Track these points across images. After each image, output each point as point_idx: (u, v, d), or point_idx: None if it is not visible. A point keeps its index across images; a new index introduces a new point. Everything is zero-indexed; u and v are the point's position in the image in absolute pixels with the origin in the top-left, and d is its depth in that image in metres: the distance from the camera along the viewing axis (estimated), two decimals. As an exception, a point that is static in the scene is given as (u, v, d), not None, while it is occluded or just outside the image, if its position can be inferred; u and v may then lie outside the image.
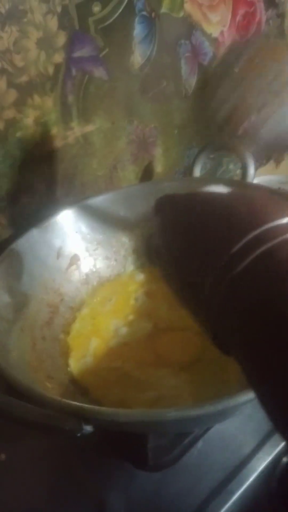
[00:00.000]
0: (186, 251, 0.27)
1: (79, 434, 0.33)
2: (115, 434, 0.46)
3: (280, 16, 0.73)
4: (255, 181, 0.74)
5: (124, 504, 0.43)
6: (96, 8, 0.51)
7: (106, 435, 0.47)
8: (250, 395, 0.32)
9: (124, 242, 0.60)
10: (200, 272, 0.25)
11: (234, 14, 0.66)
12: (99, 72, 0.55)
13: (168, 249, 0.30)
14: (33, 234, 0.52)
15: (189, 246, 0.27)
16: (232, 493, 0.43)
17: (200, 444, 0.47)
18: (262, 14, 0.70)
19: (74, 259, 0.57)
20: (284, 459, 0.46)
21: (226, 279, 0.23)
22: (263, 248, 0.22)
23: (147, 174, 0.67)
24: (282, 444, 0.46)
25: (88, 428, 0.33)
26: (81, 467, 0.46)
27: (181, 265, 0.28)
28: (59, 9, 0.48)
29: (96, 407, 0.33)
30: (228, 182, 0.57)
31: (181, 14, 0.60)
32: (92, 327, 0.52)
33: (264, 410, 0.21)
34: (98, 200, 0.57)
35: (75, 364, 0.48)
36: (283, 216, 0.23)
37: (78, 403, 0.33)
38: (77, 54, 0.52)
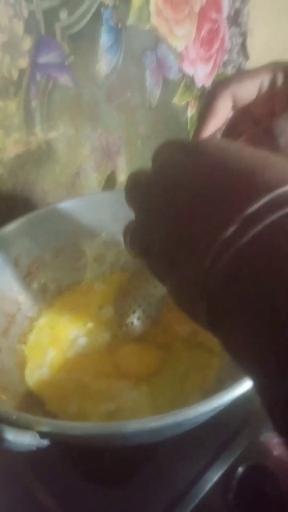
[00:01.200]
0: (186, 208, 0.22)
1: (35, 449, 0.32)
2: (74, 451, 0.46)
3: (243, 34, 0.76)
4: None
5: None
6: (63, 15, 0.50)
7: (64, 451, 0.46)
8: (209, 406, 0.32)
9: (85, 250, 0.59)
10: (201, 239, 0.21)
11: (198, 30, 0.67)
12: (64, 79, 0.55)
13: (163, 207, 0.24)
14: (-10, 242, 0.51)
15: (190, 204, 0.22)
16: (189, 504, 0.43)
17: (157, 457, 0.47)
18: (225, 31, 0.72)
19: (32, 267, 0.56)
20: (239, 469, 0.46)
21: (232, 247, 0.19)
22: (281, 212, 0.18)
23: (110, 183, 0.67)
24: (237, 453, 0.46)
25: (44, 442, 0.33)
26: (37, 482, 0.45)
27: (177, 231, 0.23)
28: (25, 13, 0.47)
29: (54, 421, 0.32)
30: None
31: (148, 26, 0.60)
32: (50, 337, 0.51)
33: (260, 400, 0.19)
34: (59, 208, 0.56)
35: (31, 376, 0.47)
36: None
37: (34, 417, 0.32)
38: (42, 59, 0.51)
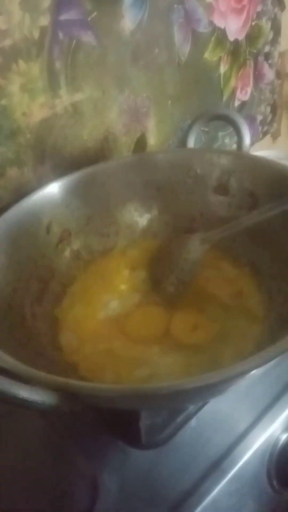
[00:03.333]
0: None
1: (66, 410, 0.32)
2: (108, 412, 0.45)
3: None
4: (252, 155, 0.72)
5: (117, 483, 0.42)
6: None
7: (98, 412, 0.46)
8: (242, 368, 0.30)
9: (117, 216, 0.58)
10: None
11: (229, -23, 0.63)
12: (87, 37, 0.52)
13: None
14: (21, 208, 0.50)
15: None
16: (226, 471, 0.42)
17: (193, 422, 0.46)
18: (259, -22, 0.67)
19: (65, 234, 0.55)
20: (281, 437, 0.45)
21: None
22: None
23: (139, 146, 0.64)
24: (278, 420, 0.45)
25: (77, 404, 0.32)
26: (74, 446, 0.45)
27: None
28: None
29: (83, 383, 0.32)
30: (224, 152, 0.54)
31: (174, -24, 0.57)
32: (83, 301, 0.50)
33: None
34: (89, 173, 0.55)
35: (65, 343, 0.47)
36: None
37: (64, 379, 0.31)
38: (63, 17, 0.49)
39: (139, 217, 0.58)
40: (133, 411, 0.43)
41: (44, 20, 0.48)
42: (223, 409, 0.46)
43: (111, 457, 0.44)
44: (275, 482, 0.44)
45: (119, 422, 0.45)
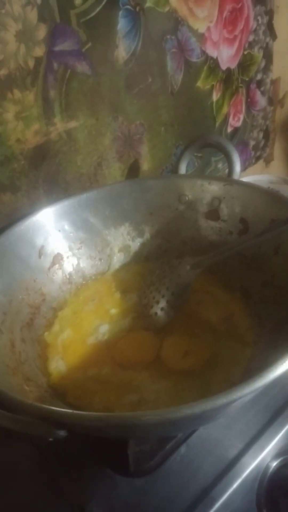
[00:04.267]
0: None
1: (51, 439, 0.32)
2: (96, 439, 0.45)
3: (268, 12, 0.72)
4: (245, 180, 0.73)
5: (105, 511, 0.42)
6: (77, 1, 0.50)
7: (86, 440, 0.45)
8: (229, 398, 0.30)
9: (109, 241, 0.58)
10: None
11: (221, 10, 0.65)
12: (82, 67, 0.54)
13: None
14: (14, 232, 0.51)
15: None
16: (215, 499, 0.41)
17: (183, 449, 0.45)
18: (250, 10, 0.69)
19: (57, 258, 0.55)
20: (271, 464, 0.45)
21: None
22: None
23: (133, 172, 0.65)
24: (269, 447, 0.44)
25: (61, 433, 0.32)
26: (62, 473, 0.45)
27: None
28: (39, 0, 0.47)
29: (69, 411, 0.31)
30: (214, 179, 0.55)
31: (167, 8, 0.58)
32: (73, 327, 0.50)
33: None
34: (82, 198, 0.56)
35: (54, 368, 0.47)
36: None
37: (48, 407, 0.31)
38: (58, 47, 0.51)
39: (131, 241, 0.59)
40: (121, 439, 0.43)
41: (39, 51, 0.49)
42: (213, 436, 0.46)
43: (99, 485, 0.43)
44: (264, 510, 0.43)
45: (107, 450, 0.45)
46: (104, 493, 0.43)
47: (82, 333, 0.50)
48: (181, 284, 0.50)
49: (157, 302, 0.49)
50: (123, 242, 0.59)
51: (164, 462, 0.44)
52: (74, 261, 0.57)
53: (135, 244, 0.59)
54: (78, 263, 0.57)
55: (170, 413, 0.30)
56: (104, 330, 0.50)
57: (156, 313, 0.49)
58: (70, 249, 0.57)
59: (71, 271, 0.57)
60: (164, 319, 0.49)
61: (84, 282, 0.57)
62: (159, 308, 0.49)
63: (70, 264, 0.56)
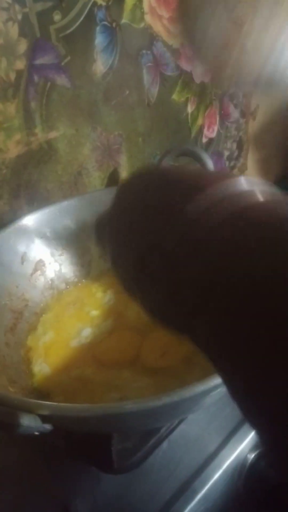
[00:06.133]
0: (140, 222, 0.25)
1: (37, 433, 0.33)
2: (80, 437, 0.46)
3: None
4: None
5: (89, 508, 0.43)
6: (57, 17, 0.52)
7: (70, 438, 0.46)
8: (207, 385, 0.32)
9: (89, 247, 0.60)
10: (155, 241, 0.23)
11: (194, 26, 0.68)
12: (61, 80, 0.56)
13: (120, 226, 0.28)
14: (-3, 239, 0.52)
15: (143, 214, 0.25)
16: (196, 491, 0.43)
17: (165, 445, 0.47)
18: (221, 27, 0.73)
19: (39, 265, 0.57)
20: (249, 456, 0.46)
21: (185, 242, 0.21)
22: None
23: (112, 180, 0.68)
24: (246, 440, 0.46)
25: (47, 427, 0.33)
26: (46, 471, 0.46)
27: (134, 240, 0.25)
28: (19, 16, 0.49)
29: (54, 403, 0.33)
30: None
31: (142, 25, 0.61)
32: (56, 331, 0.52)
33: (233, 399, 0.20)
34: (63, 206, 0.58)
35: (38, 371, 0.48)
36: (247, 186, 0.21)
37: (34, 400, 0.33)
38: (39, 61, 0.53)
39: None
40: (104, 435, 0.44)
41: (20, 64, 0.51)
42: (194, 432, 0.48)
43: (83, 482, 0.44)
44: (244, 500, 0.45)
45: (91, 448, 0.46)
46: (89, 490, 0.44)
47: (64, 336, 0.51)
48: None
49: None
50: (103, 248, 0.60)
51: (147, 458, 0.46)
52: (56, 267, 0.58)
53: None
54: (60, 269, 0.59)
55: (151, 401, 0.32)
56: (86, 332, 0.51)
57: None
58: (52, 255, 0.58)
59: (53, 277, 0.58)
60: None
61: (66, 287, 0.58)
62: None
63: (52, 270, 0.58)
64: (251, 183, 0.22)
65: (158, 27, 0.64)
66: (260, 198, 0.21)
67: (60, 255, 0.59)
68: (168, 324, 0.25)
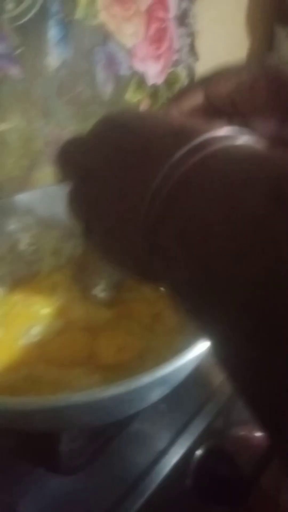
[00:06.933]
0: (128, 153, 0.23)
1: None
2: (28, 436, 0.45)
3: (191, 35, 0.78)
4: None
5: (37, 509, 0.42)
6: (9, 5, 0.51)
7: (19, 437, 0.45)
8: (154, 376, 0.32)
9: (41, 243, 0.59)
10: (140, 176, 0.22)
11: (147, 28, 0.69)
12: (14, 70, 0.55)
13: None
14: None
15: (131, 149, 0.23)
16: (145, 490, 0.43)
17: (114, 444, 0.46)
18: (173, 31, 0.74)
19: (-14, 261, 0.55)
20: (197, 453, 0.47)
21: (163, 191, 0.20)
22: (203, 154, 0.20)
23: (64, 177, 0.66)
24: (195, 436, 0.47)
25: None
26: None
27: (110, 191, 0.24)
28: None
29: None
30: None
31: (96, 22, 0.61)
32: (4, 328, 0.50)
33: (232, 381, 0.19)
34: (13, 201, 0.56)
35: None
36: (218, 129, 0.21)
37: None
38: (-10, 50, 0.51)
39: (64, 244, 0.59)
40: (52, 434, 0.43)
41: None
42: (143, 430, 0.47)
43: (30, 484, 0.43)
44: (193, 497, 0.45)
45: (37, 448, 0.44)
46: (36, 491, 0.42)
47: (13, 334, 0.49)
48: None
49: (97, 284, 0.51)
50: (55, 245, 0.59)
51: (96, 459, 0.45)
52: (5, 263, 0.56)
53: (68, 247, 0.59)
54: (10, 266, 0.57)
55: (98, 393, 0.31)
56: (36, 331, 0.50)
57: (96, 296, 0.50)
58: (1, 252, 0.56)
59: (2, 274, 0.56)
60: (107, 299, 0.50)
61: (15, 285, 0.56)
62: (99, 290, 0.50)
63: (1, 267, 0.56)
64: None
65: (112, 26, 0.64)
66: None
67: (9, 251, 0.57)
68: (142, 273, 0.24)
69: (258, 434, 0.47)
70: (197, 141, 0.20)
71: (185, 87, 0.33)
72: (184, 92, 0.32)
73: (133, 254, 0.24)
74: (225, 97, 0.32)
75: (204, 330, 0.20)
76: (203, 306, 0.19)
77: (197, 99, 0.31)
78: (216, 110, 0.33)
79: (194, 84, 0.32)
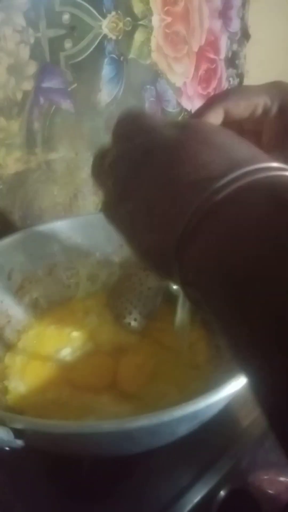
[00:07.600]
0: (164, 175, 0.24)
1: (7, 448, 0.32)
2: (50, 463, 0.45)
3: (239, 76, 0.80)
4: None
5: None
6: (67, 45, 0.54)
7: (40, 460, 0.45)
8: (185, 410, 0.32)
9: (78, 269, 0.60)
10: (177, 202, 0.22)
11: (197, 68, 0.71)
12: (66, 105, 0.58)
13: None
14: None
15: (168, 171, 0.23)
16: (166, 526, 0.42)
17: (137, 475, 0.45)
18: (223, 71, 0.76)
19: (25, 282, 0.56)
20: (221, 493, 0.45)
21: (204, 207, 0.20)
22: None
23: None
24: (219, 477, 0.45)
25: (19, 442, 0.32)
26: (13, 495, 0.44)
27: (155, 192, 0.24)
28: (32, 40, 0.51)
29: (29, 418, 0.32)
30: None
31: (148, 61, 0.64)
32: (35, 350, 0.51)
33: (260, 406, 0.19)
34: (56, 226, 0.58)
35: (13, 388, 0.47)
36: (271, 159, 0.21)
37: (9, 413, 0.32)
38: (46, 84, 0.55)
39: (100, 271, 0.61)
40: (75, 461, 0.43)
41: (28, 85, 0.53)
42: (167, 463, 0.46)
43: (50, 509, 0.43)
44: None
45: (60, 473, 0.44)
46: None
47: (43, 356, 0.50)
48: (151, 296, 0.52)
49: (130, 313, 0.51)
50: (91, 271, 0.61)
51: (117, 488, 0.44)
52: (42, 286, 0.58)
53: (104, 274, 0.61)
54: (46, 288, 0.58)
55: (128, 422, 0.31)
56: (65, 353, 0.51)
57: (129, 324, 0.51)
58: (39, 274, 0.58)
59: (38, 296, 0.58)
60: (138, 329, 0.51)
61: (50, 307, 0.58)
62: (132, 319, 0.51)
63: (37, 288, 0.57)
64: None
65: (163, 65, 0.66)
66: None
67: (47, 274, 0.58)
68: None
69: (284, 478, 0.45)
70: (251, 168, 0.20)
71: (205, 104, 0.32)
72: (204, 109, 0.32)
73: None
74: (242, 116, 0.32)
75: (240, 364, 0.20)
76: (239, 340, 0.19)
77: (218, 116, 0.32)
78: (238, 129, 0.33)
79: (214, 101, 0.32)
